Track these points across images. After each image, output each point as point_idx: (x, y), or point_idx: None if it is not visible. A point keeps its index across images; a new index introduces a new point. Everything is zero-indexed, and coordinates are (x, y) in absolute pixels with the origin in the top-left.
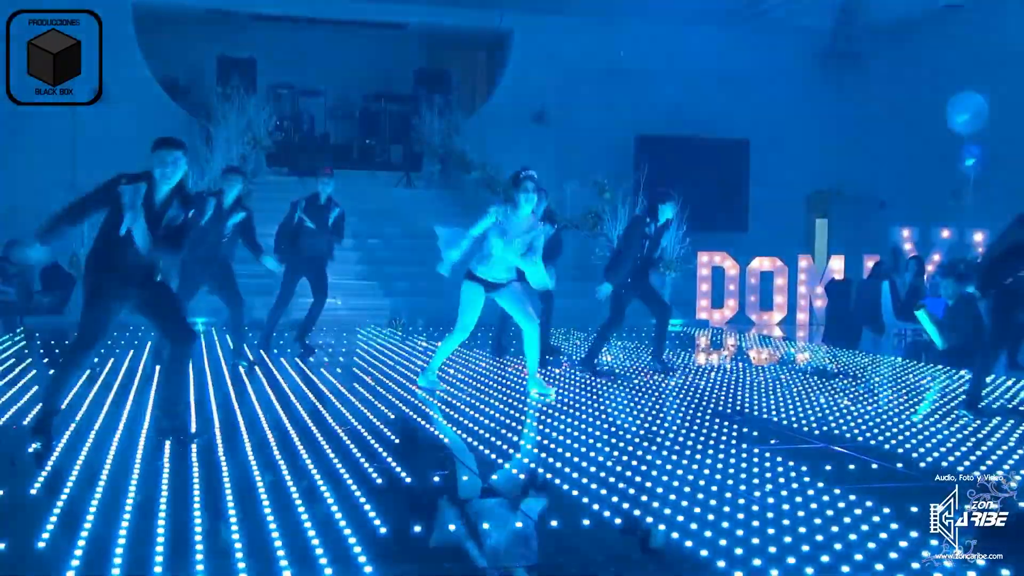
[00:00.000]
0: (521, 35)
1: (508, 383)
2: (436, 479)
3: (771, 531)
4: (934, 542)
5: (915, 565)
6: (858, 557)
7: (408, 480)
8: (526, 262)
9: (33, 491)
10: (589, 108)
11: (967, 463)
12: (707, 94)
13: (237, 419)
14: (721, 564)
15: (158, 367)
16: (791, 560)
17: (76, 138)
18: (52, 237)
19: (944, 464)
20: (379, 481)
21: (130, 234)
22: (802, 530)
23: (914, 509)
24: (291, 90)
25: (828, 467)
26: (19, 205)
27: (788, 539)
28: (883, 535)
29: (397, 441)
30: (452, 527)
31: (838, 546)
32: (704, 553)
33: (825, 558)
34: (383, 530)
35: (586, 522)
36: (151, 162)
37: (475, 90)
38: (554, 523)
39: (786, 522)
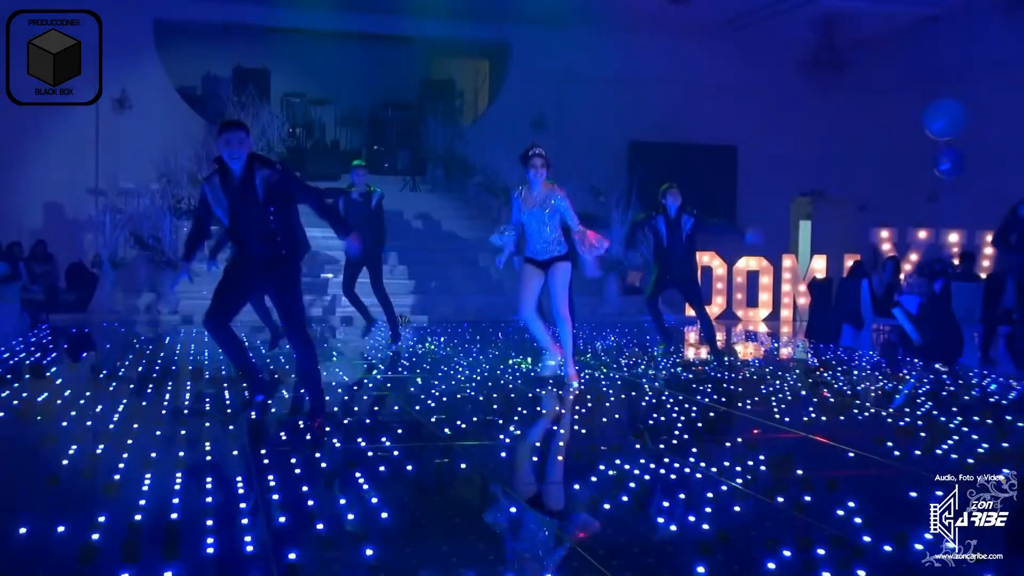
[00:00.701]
0: (520, 46)
1: (506, 375)
2: (436, 462)
3: (751, 516)
4: (911, 528)
5: (888, 548)
6: (835, 541)
7: (409, 467)
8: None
9: (54, 481)
10: (585, 115)
11: (939, 451)
12: (697, 102)
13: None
14: (704, 549)
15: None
16: (770, 544)
17: (99, 142)
18: (193, 255)
19: (917, 453)
20: (382, 469)
21: (237, 221)
22: (782, 515)
23: (888, 496)
24: (303, 99)
25: (806, 455)
26: (44, 206)
27: (767, 523)
28: (857, 520)
29: (400, 431)
30: (450, 513)
31: (816, 531)
32: (688, 538)
33: (804, 542)
34: (384, 515)
35: (579, 512)
36: (218, 146)
37: (477, 99)
38: (549, 512)
39: (767, 508)
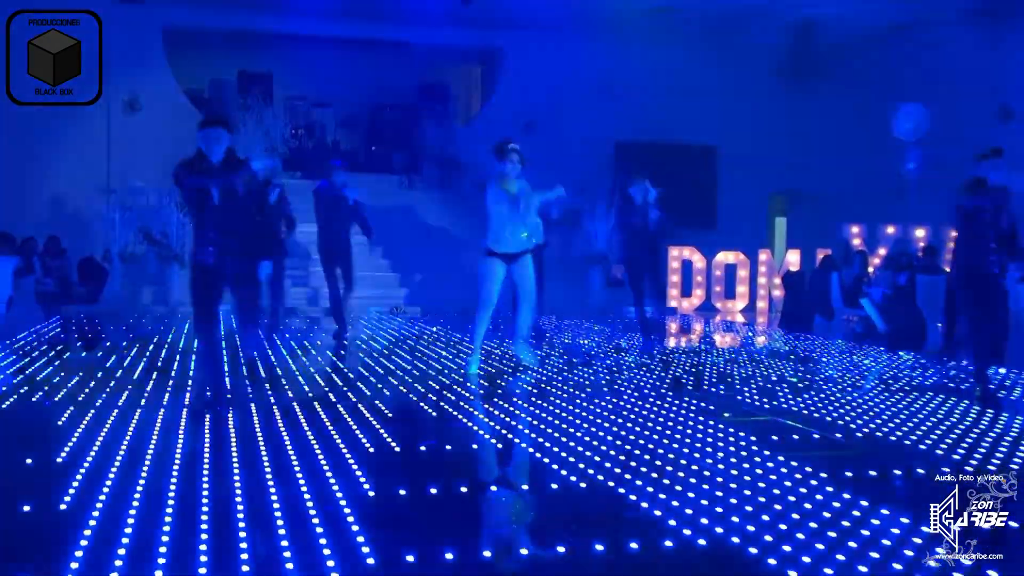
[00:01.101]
0: (512, 52)
1: (491, 363)
2: (422, 447)
3: (719, 493)
4: (864, 502)
5: (845, 523)
6: (795, 516)
7: (397, 449)
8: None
9: (60, 459)
10: (573, 117)
11: (900, 434)
12: (680, 105)
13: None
14: (672, 523)
15: None
16: (735, 519)
17: (110, 143)
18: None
19: (879, 435)
20: (371, 450)
21: (210, 211)
22: (748, 492)
23: (848, 474)
24: (304, 101)
25: (774, 437)
26: (58, 203)
27: (734, 500)
28: (819, 496)
29: (390, 415)
30: (434, 490)
31: (778, 506)
32: (658, 513)
33: (766, 517)
34: (371, 494)
35: (554, 486)
36: (199, 141)
37: (470, 101)
38: (525, 487)
39: (733, 485)
